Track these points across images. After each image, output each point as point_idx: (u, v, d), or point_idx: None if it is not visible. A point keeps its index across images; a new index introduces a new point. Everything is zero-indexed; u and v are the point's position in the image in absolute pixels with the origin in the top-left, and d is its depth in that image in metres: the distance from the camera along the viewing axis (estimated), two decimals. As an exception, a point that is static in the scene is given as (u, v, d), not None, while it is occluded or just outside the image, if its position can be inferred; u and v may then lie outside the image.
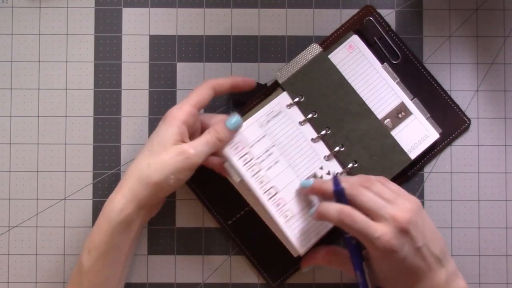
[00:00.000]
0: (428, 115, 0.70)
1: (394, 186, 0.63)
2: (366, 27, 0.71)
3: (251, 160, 0.67)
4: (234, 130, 0.65)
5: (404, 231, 0.59)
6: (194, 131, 0.66)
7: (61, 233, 0.71)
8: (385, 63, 0.70)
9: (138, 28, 0.72)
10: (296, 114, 0.68)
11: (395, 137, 0.68)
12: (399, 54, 0.71)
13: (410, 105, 0.69)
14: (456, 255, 0.71)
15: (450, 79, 0.72)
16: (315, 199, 0.67)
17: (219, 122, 0.65)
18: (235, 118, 0.65)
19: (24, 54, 0.72)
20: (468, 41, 0.72)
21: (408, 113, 0.69)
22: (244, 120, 0.67)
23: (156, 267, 0.71)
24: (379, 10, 0.72)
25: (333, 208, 0.61)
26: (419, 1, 0.72)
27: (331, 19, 0.72)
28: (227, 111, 0.71)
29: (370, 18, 0.71)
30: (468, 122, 0.71)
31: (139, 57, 0.72)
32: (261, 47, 0.72)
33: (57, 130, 0.71)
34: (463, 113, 0.71)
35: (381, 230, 0.59)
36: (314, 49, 0.69)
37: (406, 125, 0.69)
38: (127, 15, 0.72)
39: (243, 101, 0.70)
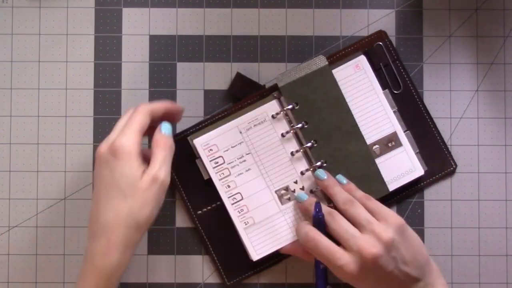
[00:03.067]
0: (417, 150, 0.70)
1: (376, 205, 0.63)
2: (374, 51, 0.70)
3: (222, 164, 0.69)
4: (171, 135, 0.64)
5: (369, 263, 0.59)
6: None
7: (61, 233, 0.71)
8: (386, 90, 0.70)
9: (138, 28, 0.72)
10: (281, 125, 0.69)
11: (380, 165, 0.68)
12: (401, 85, 0.70)
13: (402, 136, 0.69)
14: (456, 255, 0.71)
15: (450, 79, 0.72)
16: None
17: (158, 136, 0.63)
18: (166, 125, 0.63)
19: (24, 54, 0.72)
20: (468, 41, 0.72)
21: (398, 144, 0.69)
22: (231, 120, 0.68)
23: (156, 267, 0.71)
24: (379, 10, 0.72)
25: (303, 230, 0.63)
26: (419, 1, 0.72)
27: (331, 19, 0.72)
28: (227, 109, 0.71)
29: (380, 43, 0.70)
30: (454, 166, 0.71)
31: (139, 57, 0.72)
32: (261, 47, 0.72)
33: (57, 130, 0.71)
34: (451, 156, 0.71)
35: (344, 260, 0.59)
36: (320, 61, 0.68)
37: (393, 155, 0.69)
38: (127, 15, 0.72)
39: (239, 97, 0.71)
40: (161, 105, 0.64)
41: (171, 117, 0.65)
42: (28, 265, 0.71)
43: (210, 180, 0.69)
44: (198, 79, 0.72)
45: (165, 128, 0.63)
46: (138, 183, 0.60)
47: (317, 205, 0.64)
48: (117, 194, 0.60)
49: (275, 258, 0.70)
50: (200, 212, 0.70)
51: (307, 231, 0.62)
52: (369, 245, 0.59)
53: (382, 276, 0.60)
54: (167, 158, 0.62)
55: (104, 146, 0.61)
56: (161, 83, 0.72)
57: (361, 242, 0.60)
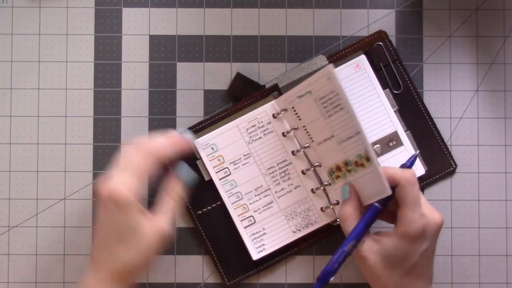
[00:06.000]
0: (418, 151, 0.70)
1: None
2: (374, 51, 0.70)
3: (222, 163, 0.69)
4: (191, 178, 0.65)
5: (436, 230, 0.61)
6: None
7: (61, 233, 0.71)
8: (387, 89, 0.70)
9: (138, 28, 0.72)
10: (282, 124, 0.69)
11: (381, 164, 0.68)
12: (401, 85, 0.70)
13: (403, 136, 0.69)
14: (456, 255, 0.71)
15: (450, 79, 0.72)
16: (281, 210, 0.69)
17: (172, 185, 0.64)
18: (188, 173, 0.64)
19: (24, 54, 0.72)
20: (468, 41, 0.72)
21: (399, 143, 0.69)
22: (231, 120, 0.68)
23: (156, 267, 0.71)
24: (379, 10, 0.72)
25: (405, 172, 0.62)
26: (419, 1, 0.72)
27: (331, 19, 0.72)
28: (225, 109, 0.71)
29: (380, 43, 0.71)
30: (454, 166, 0.71)
31: (139, 57, 0.72)
32: (261, 47, 0.72)
33: (57, 130, 0.71)
34: (451, 156, 0.71)
35: (425, 210, 0.61)
36: (321, 61, 0.68)
37: (394, 154, 0.69)
38: (127, 15, 0.72)
39: (239, 97, 0.71)
40: (164, 145, 0.62)
41: (182, 150, 0.64)
42: (28, 265, 0.71)
43: (211, 181, 0.69)
44: (198, 79, 0.72)
45: (186, 180, 0.64)
46: (141, 233, 0.60)
47: (415, 156, 0.64)
48: (118, 241, 0.60)
49: (276, 257, 0.70)
50: (200, 212, 0.70)
51: (411, 171, 0.62)
52: (437, 212, 0.62)
53: (428, 252, 0.62)
54: (174, 209, 0.63)
55: (104, 190, 0.60)
56: (161, 83, 0.72)
57: (430, 208, 0.62)
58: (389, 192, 0.60)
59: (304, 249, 0.70)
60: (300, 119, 0.67)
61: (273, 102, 0.69)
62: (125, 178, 0.60)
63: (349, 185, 0.64)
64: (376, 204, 0.62)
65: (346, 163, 0.65)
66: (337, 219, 0.69)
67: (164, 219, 0.62)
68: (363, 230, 0.61)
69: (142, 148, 0.61)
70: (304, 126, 0.67)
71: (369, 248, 0.61)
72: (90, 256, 0.63)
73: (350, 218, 0.62)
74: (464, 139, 0.71)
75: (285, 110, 0.68)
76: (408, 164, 0.64)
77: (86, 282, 0.61)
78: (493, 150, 0.71)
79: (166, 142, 0.63)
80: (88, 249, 0.71)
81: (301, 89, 0.66)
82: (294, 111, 0.67)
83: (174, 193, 0.64)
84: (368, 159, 0.62)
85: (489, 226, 0.71)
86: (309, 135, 0.67)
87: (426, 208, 0.61)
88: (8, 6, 0.72)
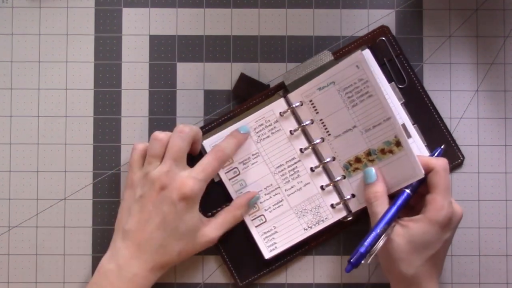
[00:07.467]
0: (425, 143, 0.70)
1: None
2: (378, 47, 0.70)
3: (231, 163, 0.69)
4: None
5: (458, 221, 0.64)
6: None
7: (61, 233, 0.71)
8: (392, 82, 0.70)
9: (138, 28, 0.72)
10: (289, 122, 0.69)
11: None
12: (406, 79, 0.70)
13: (411, 128, 0.69)
14: (456, 255, 0.71)
15: (450, 79, 0.72)
16: (292, 209, 0.69)
17: (243, 204, 0.68)
18: (256, 196, 0.68)
19: (24, 54, 0.72)
20: (468, 41, 0.72)
21: (407, 135, 0.69)
22: (238, 120, 0.69)
23: (156, 267, 0.71)
24: (379, 10, 0.72)
25: (440, 161, 0.64)
26: (419, 1, 0.72)
27: (331, 19, 0.72)
28: (227, 109, 0.71)
29: (383, 38, 0.70)
30: (461, 158, 0.71)
31: (139, 57, 0.72)
32: (261, 47, 0.72)
33: (57, 130, 0.71)
34: (458, 149, 0.71)
35: (446, 204, 0.63)
36: (326, 56, 0.68)
37: None
38: (127, 15, 0.72)
39: (244, 97, 0.71)
40: (234, 149, 0.68)
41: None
42: (28, 265, 0.71)
43: (220, 182, 0.69)
44: (198, 79, 0.72)
45: (252, 201, 0.68)
46: (197, 236, 0.65)
47: (441, 148, 0.68)
48: (173, 234, 0.64)
49: (287, 256, 0.70)
50: (210, 214, 0.70)
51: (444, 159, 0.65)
52: (458, 205, 0.64)
53: (448, 242, 0.63)
54: (229, 223, 0.68)
55: (168, 183, 0.64)
56: (161, 83, 0.72)
57: (453, 200, 0.64)
58: (423, 174, 0.63)
59: (315, 248, 0.70)
60: (317, 112, 0.67)
61: (281, 99, 0.69)
62: (201, 184, 0.65)
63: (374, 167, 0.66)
64: (407, 190, 0.64)
65: (369, 153, 0.65)
66: (348, 216, 0.69)
67: (216, 230, 0.66)
68: (395, 215, 0.63)
69: (219, 157, 0.66)
70: (321, 119, 0.68)
71: (396, 231, 0.62)
72: (133, 243, 0.64)
73: (381, 199, 0.64)
74: (464, 139, 0.71)
75: (301, 103, 0.68)
76: (438, 154, 0.67)
77: (129, 269, 0.64)
78: (493, 150, 0.71)
79: (236, 145, 0.68)
80: (88, 249, 0.71)
81: (323, 80, 0.66)
82: (312, 104, 0.67)
83: (238, 212, 0.67)
84: (398, 144, 0.64)
85: (489, 226, 0.71)
86: (325, 128, 0.68)
87: (452, 199, 0.64)
88: (8, 6, 0.72)
